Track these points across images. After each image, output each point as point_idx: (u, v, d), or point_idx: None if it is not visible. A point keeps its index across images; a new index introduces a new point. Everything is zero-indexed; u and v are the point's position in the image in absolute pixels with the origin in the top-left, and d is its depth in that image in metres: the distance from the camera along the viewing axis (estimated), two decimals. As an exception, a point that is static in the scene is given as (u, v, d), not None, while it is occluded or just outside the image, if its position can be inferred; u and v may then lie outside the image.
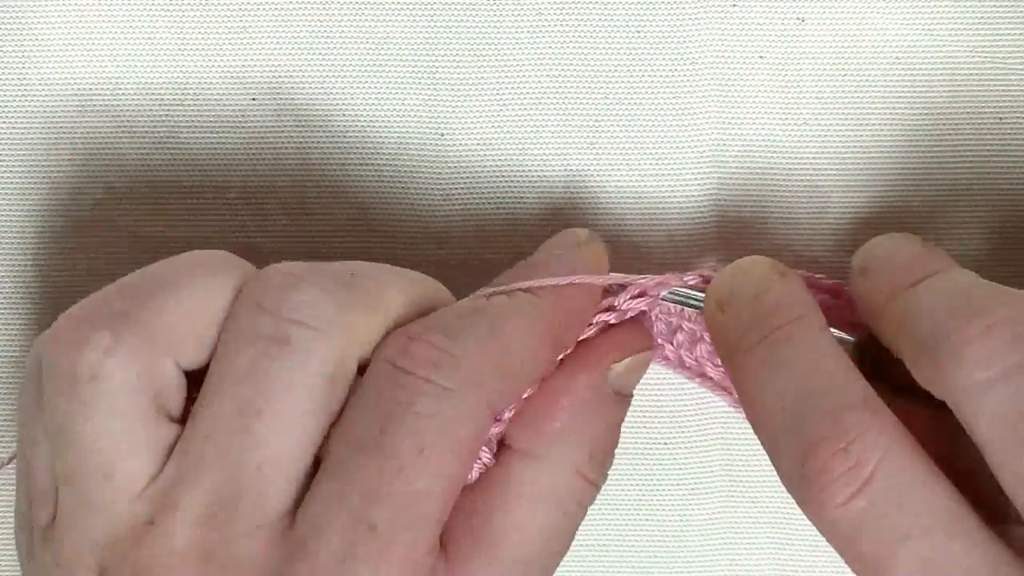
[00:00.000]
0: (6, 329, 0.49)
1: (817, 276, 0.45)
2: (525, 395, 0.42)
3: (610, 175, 0.48)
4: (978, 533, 0.37)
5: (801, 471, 0.37)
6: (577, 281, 0.42)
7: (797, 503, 0.38)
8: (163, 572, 0.37)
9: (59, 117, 0.49)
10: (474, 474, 0.41)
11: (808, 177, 0.48)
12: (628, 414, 0.47)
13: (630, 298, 0.43)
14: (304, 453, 0.39)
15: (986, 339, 0.37)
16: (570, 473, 0.41)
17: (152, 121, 0.49)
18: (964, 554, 0.36)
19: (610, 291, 0.43)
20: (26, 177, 0.49)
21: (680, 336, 0.45)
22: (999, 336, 0.37)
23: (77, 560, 0.38)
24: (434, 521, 0.39)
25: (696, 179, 0.48)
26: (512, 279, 0.42)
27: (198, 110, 0.49)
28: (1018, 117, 0.48)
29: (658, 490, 0.49)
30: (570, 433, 0.41)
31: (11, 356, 0.49)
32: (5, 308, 0.49)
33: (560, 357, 0.42)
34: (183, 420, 0.39)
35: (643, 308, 0.43)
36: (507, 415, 0.41)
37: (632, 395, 0.43)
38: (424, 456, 0.38)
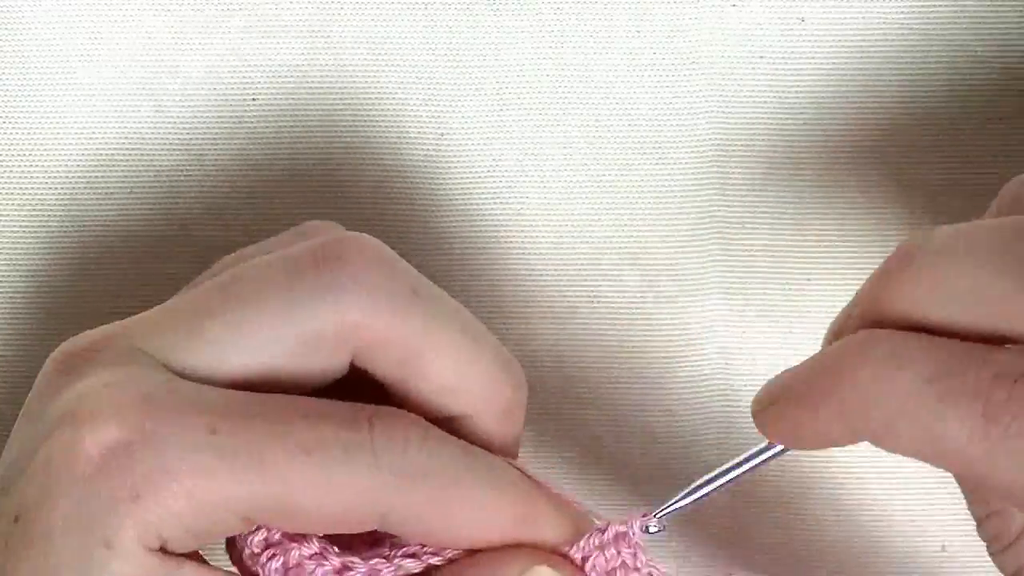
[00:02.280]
0: (5, 328, 0.49)
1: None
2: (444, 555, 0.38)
3: (610, 175, 0.49)
4: None
5: (983, 416, 0.33)
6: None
7: (982, 467, 0.34)
8: None
9: (59, 117, 0.49)
10: None
11: (808, 177, 0.48)
12: (622, 409, 0.48)
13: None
14: (232, 361, 0.37)
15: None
16: None
17: (152, 121, 0.49)
18: None
19: None
20: (26, 177, 0.49)
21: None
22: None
23: None
24: (245, 492, 0.36)
25: (696, 179, 0.48)
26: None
27: (198, 110, 0.49)
28: (1018, 117, 0.48)
29: (658, 488, 0.49)
30: None
31: (8, 356, 0.50)
32: (5, 308, 0.49)
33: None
34: None
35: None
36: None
37: None
38: (305, 457, 0.36)
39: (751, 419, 0.38)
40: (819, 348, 0.38)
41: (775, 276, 0.49)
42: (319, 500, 0.36)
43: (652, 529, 0.39)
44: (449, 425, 0.38)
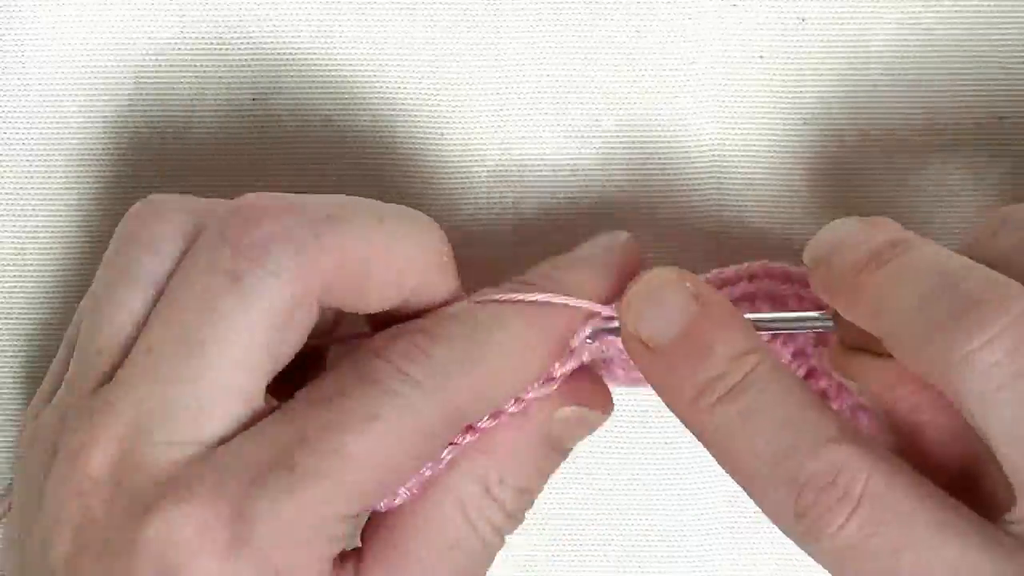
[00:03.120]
0: (7, 319, 0.49)
1: (773, 266, 0.44)
2: (508, 408, 0.41)
3: (610, 175, 0.49)
4: (972, 535, 0.37)
5: (793, 509, 0.38)
6: (564, 303, 0.41)
7: (790, 537, 0.39)
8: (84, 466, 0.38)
9: (59, 117, 0.49)
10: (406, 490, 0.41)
11: (808, 177, 0.48)
12: (631, 415, 0.48)
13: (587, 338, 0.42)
14: (241, 390, 0.38)
15: (991, 349, 0.37)
16: (479, 487, 0.41)
17: (152, 121, 0.49)
18: (960, 557, 0.37)
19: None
20: (26, 177, 0.49)
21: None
22: (1004, 344, 0.37)
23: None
24: (356, 492, 0.38)
25: (696, 179, 0.48)
26: (541, 275, 0.42)
27: (200, 110, 0.49)
28: (1018, 117, 0.48)
29: (659, 490, 0.49)
30: (488, 452, 0.41)
31: (8, 356, 0.50)
32: (5, 308, 0.49)
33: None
34: None
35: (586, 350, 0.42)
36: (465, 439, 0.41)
37: (567, 451, 0.43)
38: (373, 425, 0.38)
39: None
40: (816, 239, 0.42)
41: (775, 276, 0.49)
42: (408, 449, 0.39)
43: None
44: (407, 301, 0.41)
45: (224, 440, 0.38)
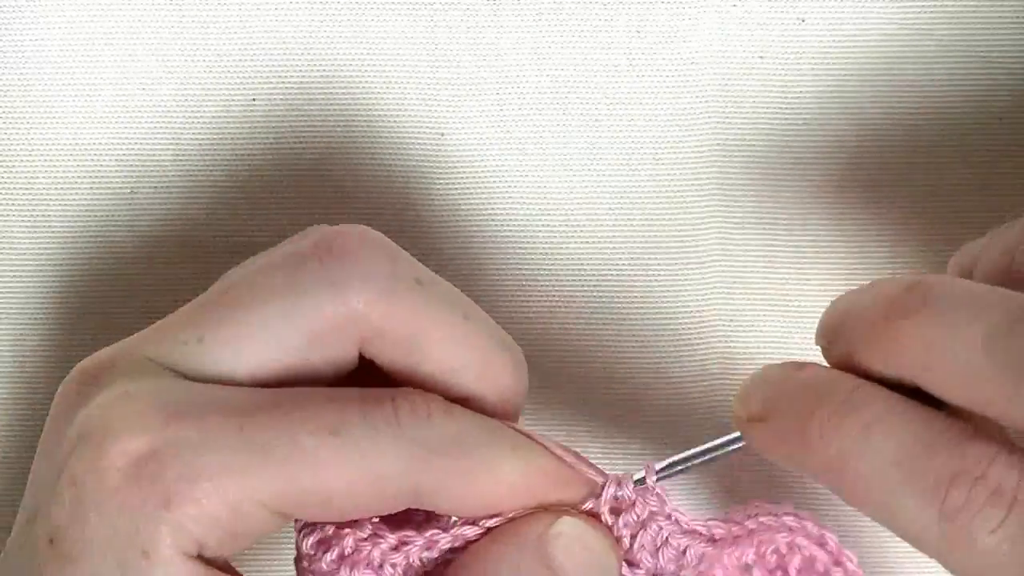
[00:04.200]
0: (8, 320, 0.50)
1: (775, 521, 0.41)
2: (487, 522, 0.38)
3: (610, 175, 0.49)
4: None
5: (938, 512, 0.34)
6: (590, 475, 0.39)
7: (936, 554, 0.35)
8: None
9: (59, 117, 0.49)
10: None
11: (808, 177, 0.48)
12: (621, 408, 0.48)
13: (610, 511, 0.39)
14: (244, 361, 0.38)
15: None
16: None
17: (152, 121, 0.49)
18: None
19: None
20: (26, 177, 0.49)
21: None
22: None
23: None
24: (279, 484, 0.36)
25: (696, 179, 0.48)
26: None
27: (198, 110, 0.49)
28: (1018, 117, 0.48)
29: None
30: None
31: (8, 355, 0.50)
32: (5, 308, 0.49)
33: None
34: None
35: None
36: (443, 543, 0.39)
37: None
38: (328, 437, 0.36)
39: None
40: (826, 314, 0.38)
41: (775, 276, 0.49)
42: (351, 481, 0.36)
43: (651, 483, 0.40)
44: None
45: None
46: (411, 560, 0.39)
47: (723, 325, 0.49)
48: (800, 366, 0.38)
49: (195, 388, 0.37)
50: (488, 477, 0.37)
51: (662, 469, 0.40)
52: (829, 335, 0.38)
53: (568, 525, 0.38)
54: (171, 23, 0.48)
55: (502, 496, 0.38)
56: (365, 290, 0.37)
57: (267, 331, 0.37)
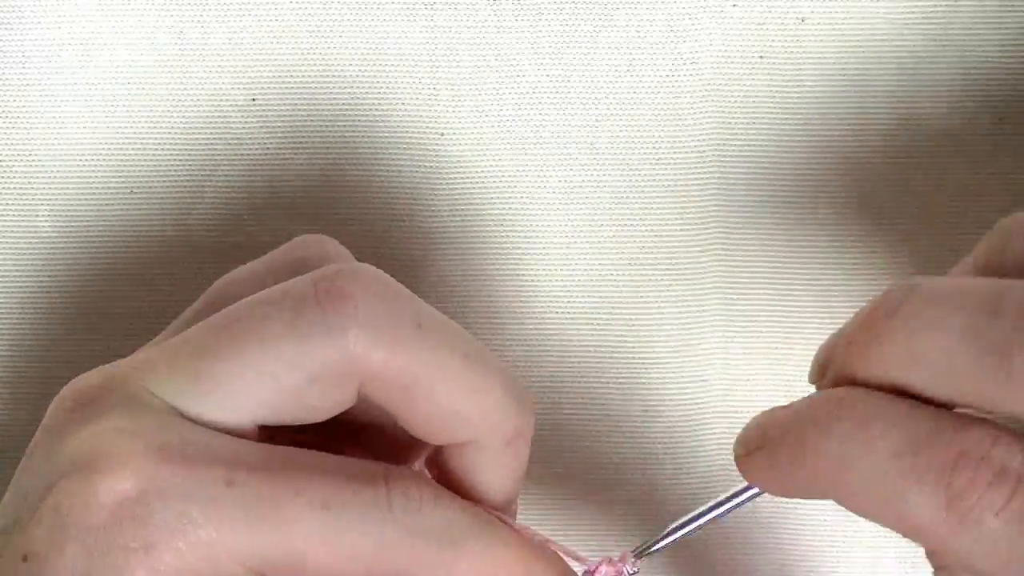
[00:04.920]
0: (8, 320, 0.49)
1: None
2: None
3: (610, 175, 0.49)
4: None
5: (945, 498, 0.34)
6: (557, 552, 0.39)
7: (943, 542, 0.34)
8: None
9: (59, 117, 0.49)
10: None
11: (808, 177, 0.48)
12: (621, 409, 0.48)
13: None
14: (242, 406, 0.37)
15: None
16: None
17: (151, 121, 0.49)
18: None
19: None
20: (27, 177, 0.49)
21: None
22: None
23: None
24: (256, 548, 0.36)
25: (696, 179, 0.48)
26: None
27: (198, 110, 0.49)
28: (1018, 117, 0.48)
29: (656, 498, 0.49)
30: None
31: (7, 356, 0.50)
32: (5, 308, 0.49)
33: None
34: None
35: None
36: None
37: None
38: (317, 512, 0.36)
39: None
40: (815, 354, 0.38)
41: (775, 276, 0.49)
42: (335, 555, 0.36)
43: (630, 570, 0.40)
44: (454, 452, 0.39)
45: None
46: None
47: (722, 325, 0.49)
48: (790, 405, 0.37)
49: (191, 432, 0.36)
50: (469, 568, 0.37)
51: (649, 545, 0.40)
52: (820, 368, 0.38)
53: None
54: (170, 23, 0.48)
55: None
56: (364, 336, 0.37)
57: (268, 376, 0.37)
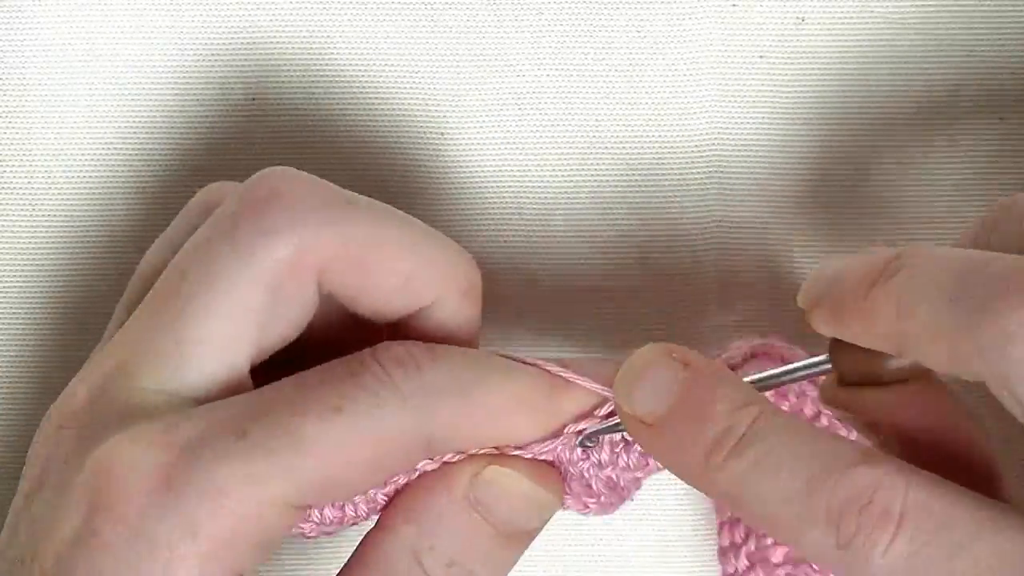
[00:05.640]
0: (8, 321, 0.49)
1: (770, 344, 0.43)
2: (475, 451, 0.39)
3: (610, 175, 0.49)
4: (1005, 521, 0.36)
5: (835, 542, 0.36)
6: (581, 383, 0.40)
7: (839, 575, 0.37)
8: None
9: (59, 117, 0.49)
10: None
11: (808, 177, 0.48)
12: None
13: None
14: (225, 348, 0.38)
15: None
16: (407, 555, 0.38)
17: (151, 121, 0.49)
18: (1014, 551, 0.35)
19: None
20: (27, 177, 0.49)
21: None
22: None
23: None
24: (298, 479, 0.36)
25: (696, 179, 0.48)
26: (562, 363, 0.40)
27: (198, 110, 0.49)
28: (1018, 117, 0.48)
29: (651, 503, 0.49)
30: (420, 519, 0.39)
31: (7, 356, 0.50)
32: (5, 308, 0.49)
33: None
34: None
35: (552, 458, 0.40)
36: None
37: (508, 529, 0.39)
38: (335, 416, 0.36)
39: None
40: (809, 281, 0.40)
41: (774, 276, 0.49)
42: (366, 452, 0.37)
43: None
44: (418, 317, 0.39)
45: (202, 401, 0.38)
46: (374, 495, 0.39)
47: (722, 326, 0.49)
48: (684, 375, 0.38)
49: (185, 419, 0.37)
50: (492, 407, 0.38)
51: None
52: (811, 301, 0.39)
53: (491, 472, 0.39)
54: (171, 23, 0.48)
55: (513, 418, 0.39)
56: (306, 223, 0.38)
57: (234, 309, 0.38)
